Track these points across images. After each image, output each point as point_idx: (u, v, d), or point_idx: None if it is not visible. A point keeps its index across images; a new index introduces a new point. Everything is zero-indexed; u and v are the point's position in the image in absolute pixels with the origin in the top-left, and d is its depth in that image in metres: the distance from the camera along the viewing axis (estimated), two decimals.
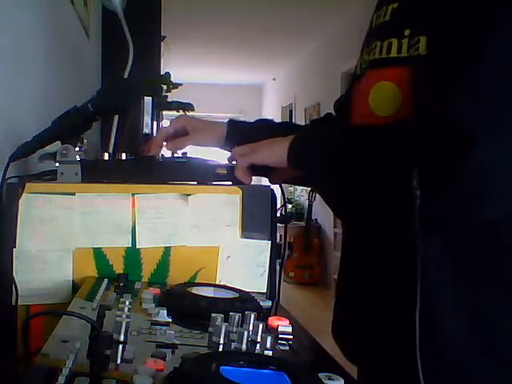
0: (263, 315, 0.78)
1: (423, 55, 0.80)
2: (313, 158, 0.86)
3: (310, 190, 6.84)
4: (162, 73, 2.66)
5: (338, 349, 0.96)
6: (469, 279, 0.80)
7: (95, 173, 1.04)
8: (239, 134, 1.13)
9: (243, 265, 1.03)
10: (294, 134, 0.90)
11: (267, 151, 0.93)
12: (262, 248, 1.03)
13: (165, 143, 1.15)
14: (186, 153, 1.12)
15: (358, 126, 0.91)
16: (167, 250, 1.00)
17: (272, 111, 9.50)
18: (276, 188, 1.06)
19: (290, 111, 8.49)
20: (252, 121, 1.20)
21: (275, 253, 1.04)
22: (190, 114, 2.04)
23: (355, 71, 1.00)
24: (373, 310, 0.89)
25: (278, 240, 1.05)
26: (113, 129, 1.88)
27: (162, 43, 2.79)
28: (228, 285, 0.95)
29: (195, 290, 0.86)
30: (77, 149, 1.03)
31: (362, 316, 0.91)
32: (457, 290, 0.80)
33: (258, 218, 1.03)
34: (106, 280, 0.93)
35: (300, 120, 7.79)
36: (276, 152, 0.91)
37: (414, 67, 0.81)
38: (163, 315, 0.75)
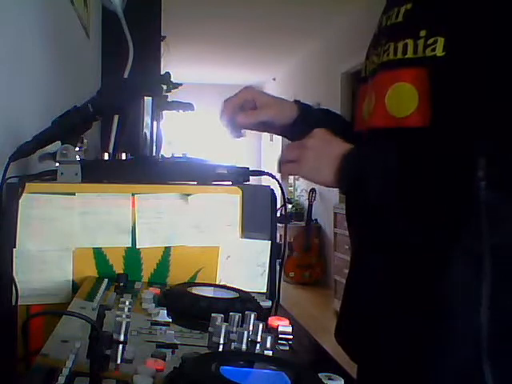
0: (263, 315, 0.78)
1: (440, 56, 0.80)
2: (374, 187, 0.83)
3: (310, 190, 6.84)
4: (162, 73, 2.66)
5: (340, 347, 0.96)
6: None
7: (95, 173, 1.04)
8: (309, 121, 1.08)
9: (243, 265, 1.03)
10: (340, 156, 0.85)
11: (314, 173, 0.88)
12: (262, 248, 1.03)
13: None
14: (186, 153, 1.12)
15: (409, 138, 0.86)
16: (167, 249, 1.00)
17: None
18: (276, 188, 1.06)
19: None
20: (316, 107, 1.16)
21: (275, 253, 1.04)
22: (190, 113, 2.04)
23: (361, 74, 1.00)
24: (386, 315, 0.88)
25: (277, 240, 1.05)
26: (113, 129, 1.88)
27: (161, 43, 2.79)
28: (228, 285, 0.95)
29: (195, 290, 0.86)
30: (77, 149, 1.03)
31: (374, 323, 0.90)
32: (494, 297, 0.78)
33: (258, 218, 1.03)
34: (105, 280, 0.93)
35: None
36: (323, 176, 0.87)
37: (432, 68, 0.81)
38: (163, 315, 0.75)
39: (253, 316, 0.67)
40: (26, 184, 0.96)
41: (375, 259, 0.90)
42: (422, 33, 0.82)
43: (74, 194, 0.98)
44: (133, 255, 0.99)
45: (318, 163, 0.86)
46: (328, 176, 0.85)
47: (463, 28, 0.79)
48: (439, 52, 0.80)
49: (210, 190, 1.03)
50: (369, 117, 0.92)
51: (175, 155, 1.15)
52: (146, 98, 1.17)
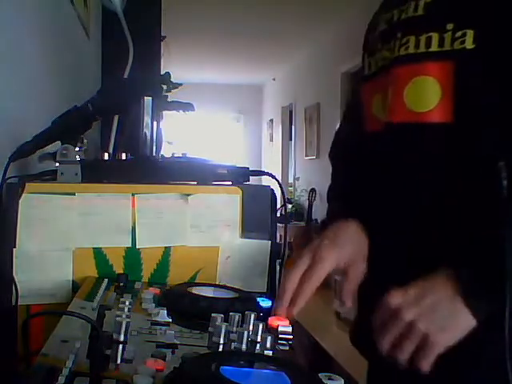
0: (263, 315, 0.78)
1: (470, 49, 0.79)
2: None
3: (310, 190, 6.84)
4: (162, 73, 2.66)
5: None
6: None
7: (95, 173, 1.04)
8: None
9: (243, 265, 1.03)
10: (454, 287, 0.72)
11: (452, 333, 0.72)
12: (261, 248, 1.03)
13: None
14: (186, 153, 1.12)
15: None
16: (167, 249, 1.00)
17: (272, 111, 9.50)
18: (276, 188, 1.06)
19: (290, 111, 8.50)
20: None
21: (275, 253, 1.04)
22: (190, 114, 2.04)
23: (363, 71, 0.97)
24: None
25: (277, 240, 1.05)
26: (113, 129, 1.88)
27: (161, 43, 2.79)
28: (228, 285, 0.95)
29: (195, 290, 0.86)
30: (77, 149, 1.03)
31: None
32: None
33: (258, 218, 1.03)
34: (106, 280, 0.93)
35: (300, 120, 7.79)
36: (465, 330, 0.72)
37: (460, 61, 0.80)
38: (163, 315, 0.75)
39: (253, 316, 0.68)
40: (26, 184, 0.96)
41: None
42: (449, 26, 0.80)
43: (74, 194, 0.98)
44: (133, 255, 0.99)
45: (437, 313, 0.72)
46: (465, 319, 0.71)
47: (494, 19, 0.78)
48: (469, 45, 0.78)
49: (210, 190, 1.03)
50: (385, 113, 0.89)
51: (175, 155, 1.15)
52: (145, 98, 1.17)
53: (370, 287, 0.92)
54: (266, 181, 1.12)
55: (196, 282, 0.99)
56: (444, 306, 0.73)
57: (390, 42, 0.89)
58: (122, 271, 0.98)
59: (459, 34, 0.80)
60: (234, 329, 0.66)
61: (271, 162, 9.17)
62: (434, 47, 0.82)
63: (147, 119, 1.18)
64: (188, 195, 1.01)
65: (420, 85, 0.83)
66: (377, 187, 0.92)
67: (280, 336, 0.73)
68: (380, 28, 0.94)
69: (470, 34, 0.79)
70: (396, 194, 0.88)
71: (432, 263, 0.81)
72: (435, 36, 0.82)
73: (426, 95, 0.82)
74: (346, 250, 0.86)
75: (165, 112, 1.92)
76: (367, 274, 0.91)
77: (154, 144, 1.25)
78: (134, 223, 0.99)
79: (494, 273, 0.71)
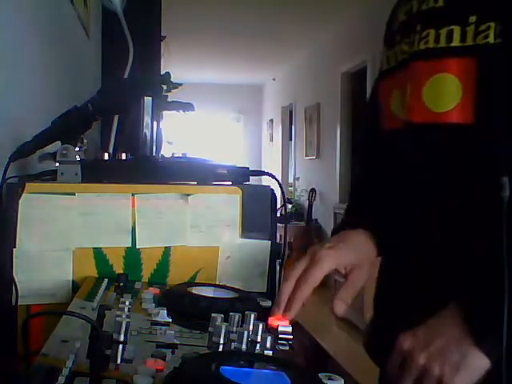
0: (263, 315, 0.78)
1: (493, 44, 0.74)
2: None
3: (310, 190, 6.84)
4: (162, 73, 2.66)
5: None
6: None
7: (95, 173, 1.04)
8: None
9: (243, 265, 1.03)
10: (467, 331, 0.70)
11: (467, 375, 0.69)
12: (261, 248, 1.03)
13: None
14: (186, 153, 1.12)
15: None
16: (167, 249, 1.00)
17: (272, 111, 9.50)
18: (276, 188, 1.06)
19: (290, 111, 8.49)
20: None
21: (275, 253, 1.04)
22: (190, 114, 2.04)
23: (381, 66, 0.94)
24: None
25: (277, 240, 1.05)
26: (113, 129, 1.88)
27: (161, 43, 2.79)
28: (228, 285, 0.95)
29: (195, 290, 0.86)
30: (77, 149, 1.03)
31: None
32: None
33: (258, 217, 1.03)
34: (106, 280, 0.93)
35: (300, 120, 7.79)
36: (479, 370, 0.70)
37: (483, 58, 0.75)
38: (163, 315, 0.75)
39: (253, 316, 0.68)
40: (26, 184, 0.96)
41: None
42: (472, 19, 0.76)
43: (74, 194, 0.98)
44: (133, 255, 0.99)
45: (448, 356, 0.70)
46: (477, 360, 0.69)
47: None
48: (492, 39, 0.74)
49: (209, 190, 1.03)
50: (404, 110, 0.85)
51: (175, 155, 1.15)
52: (145, 98, 1.17)
53: (383, 291, 0.91)
54: (266, 181, 1.12)
55: (196, 282, 0.99)
56: (454, 348, 0.70)
57: (409, 35, 0.85)
58: (122, 271, 0.98)
59: (483, 27, 0.75)
60: (234, 329, 0.66)
61: (271, 161, 9.17)
62: (456, 42, 0.77)
63: (147, 119, 1.18)
64: (188, 195, 1.01)
65: (439, 83, 0.79)
66: (389, 185, 0.90)
67: (280, 336, 0.73)
68: (399, 19, 0.90)
69: (493, 27, 0.74)
70: (409, 193, 0.86)
71: (436, 267, 0.80)
72: (457, 30, 0.77)
73: (446, 94, 0.78)
74: (348, 254, 0.85)
75: (165, 112, 1.92)
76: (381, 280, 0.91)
77: (154, 144, 1.26)
78: (134, 223, 0.99)
79: (501, 314, 0.68)
